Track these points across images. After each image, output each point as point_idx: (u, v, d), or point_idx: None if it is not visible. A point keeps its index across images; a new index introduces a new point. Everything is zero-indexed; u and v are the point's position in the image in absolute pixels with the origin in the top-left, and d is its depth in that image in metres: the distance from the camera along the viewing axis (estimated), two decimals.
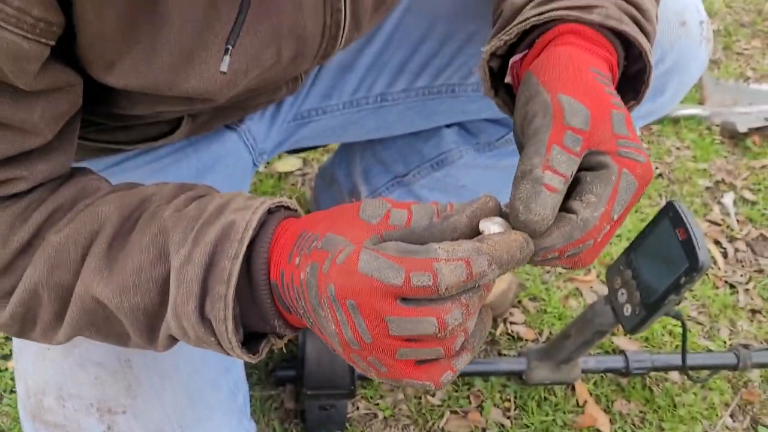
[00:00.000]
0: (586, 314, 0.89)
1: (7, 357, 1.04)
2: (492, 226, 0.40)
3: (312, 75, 0.80)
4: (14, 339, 0.65)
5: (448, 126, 0.86)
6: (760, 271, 1.25)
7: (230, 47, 0.45)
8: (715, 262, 1.25)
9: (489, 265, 0.37)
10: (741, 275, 1.24)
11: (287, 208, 0.47)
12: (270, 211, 0.46)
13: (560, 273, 1.21)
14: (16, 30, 0.38)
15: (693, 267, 0.73)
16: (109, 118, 0.59)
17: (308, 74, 0.73)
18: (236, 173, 0.80)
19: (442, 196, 0.93)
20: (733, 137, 1.50)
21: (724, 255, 1.27)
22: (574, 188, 0.43)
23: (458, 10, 0.73)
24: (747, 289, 1.21)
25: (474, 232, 0.40)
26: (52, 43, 0.41)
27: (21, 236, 0.47)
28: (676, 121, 1.53)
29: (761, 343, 1.13)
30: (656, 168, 1.43)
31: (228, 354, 0.46)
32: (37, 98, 0.44)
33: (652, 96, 0.73)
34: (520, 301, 1.16)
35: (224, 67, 0.45)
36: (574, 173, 0.42)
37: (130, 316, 0.46)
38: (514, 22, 0.50)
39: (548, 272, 1.21)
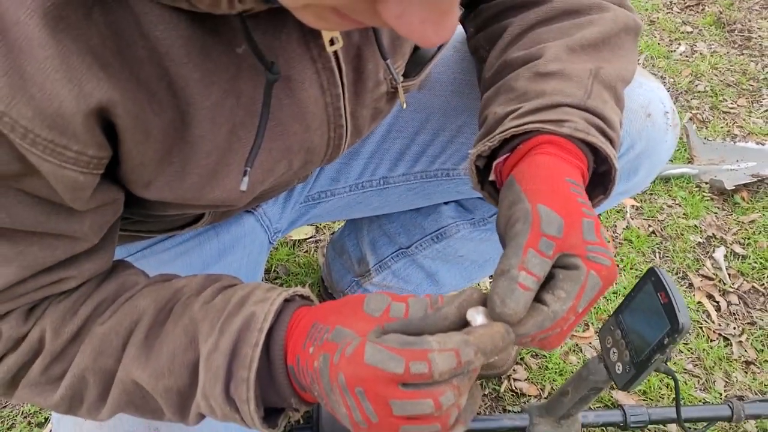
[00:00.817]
0: (582, 372, 0.95)
1: (42, 425, 1.10)
2: (477, 317, 0.47)
3: None
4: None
5: (446, 203, 0.95)
6: (753, 324, 1.31)
7: (248, 169, 0.53)
8: (708, 316, 1.31)
9: (475, 354, 0.44)
10: (734, 328, 1.29)
11: (302, 296, 0.55)
12: (287, 300, 0.53)
13: None
14: (74, 168, 0.45)
15: (674, 329, 0.79)
16: (141, 216, 0.67)
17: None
18: (254, 251, 0.88)
19: (442, 265, 1.00)
20: (722, 194, 1.58)
21: (717, 308, 1.33)
22: (548, 282, 0.50)
23: (448, 105, 0.82)
24: (740, 342, 1.27)
25: (462, 320, 0.47)
26: (102, 171, 0.48)
27: (71, 328, 0.54)
28: (666, 180, 1.61)
29: (756, 394, 1.18)
30: (649, 226, 1.50)
31: (250, 428, 0.53)
32: (86, 212, 0.51)
33: (626, 178, 0.81)
34: (522, 359, 1.22)
35: (244, 187, 0.53)
36: (546, 273, 0.49)
37: (164, 397, 0.53)
38: (497, 131, 0.58)
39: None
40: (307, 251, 1.40)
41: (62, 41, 0.40)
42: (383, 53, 0.58)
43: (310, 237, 1.42)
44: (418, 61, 0.65)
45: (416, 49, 0.64)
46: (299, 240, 1.41)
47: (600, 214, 1.52)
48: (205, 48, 0.48)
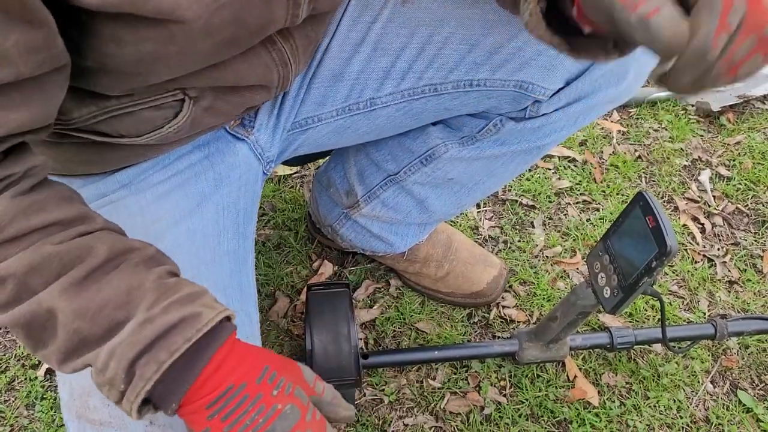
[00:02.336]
0: (570, 297, 0.96)
1: (36, 366, 1.11)
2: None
3: (305, 83, 0.86)
4: None
5: (434, 124, 0.93)
6: (736, 244, 1.33)
7: None
8: (693, 238, 1.33)
9: None
10: (718, 249, 1.31)
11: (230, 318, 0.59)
12: (229, 318, 0.57)
13: (547, 257, 1.28)
14: None
15: (662, 252, 0.80)
16: (107, 110, 0.65)
17: (297, 73, 0.77)
18: (250, 180, 0.87)
19: (432, 190, 0.99)
20: (708, 116, 1.57)
21: (702, 230, 1.35)
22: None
23: (433, 17, 0.79)
24: (724, 262, 1.29)
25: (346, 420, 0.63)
26: None
27: (17, 229, 0.53)
28: (653, 103, 1.60)
29: (739, 312, 1.21)
30: (635, 150, 1.50)
31: (116, 403, 0.54)
32: (11, 23, 0.47)
33: (615, 81, 0.79)
34: (511, 286, 1.23)
35: None
36: None
37: (67, 336, 0.53)
38: None
39: (536, 257, 1.28)
40: (292, 186, 1.38)
41: None
42: None
43: (295, 172, 1.40)
44: None
45: None
46: (284, 176, 1.39)
47: (586, 140, 1.52)
48: None
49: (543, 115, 0.82)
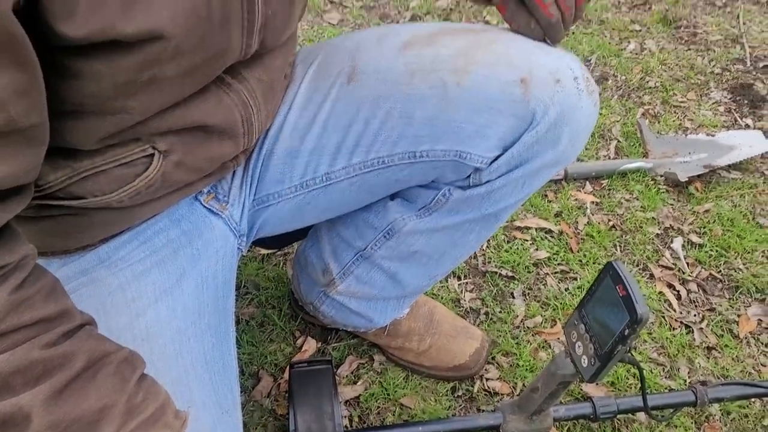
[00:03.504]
0: (550, 368, 0.97)
1: None
2: None
3: (264, 161, 0.91)
4: None
5: (392, 199, 0.97)
6: (712, 310, 1.35)
7: None
8: (670, 305, 1.36)
9: None
10: (695, 315, 1.34)
11: None
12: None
13: (528, 327, 1.30)
14: None
15: (633, 320, 0.82)
16: (80, 171, 0.69)
17: (261, 122, 0.83)
18: (227, 255, 0.90)
19: (400, 264, 1.01)
20: (677, 185, 1.63)
21: (678, 297, 1.38)
22: None
23: (375, 94, 0.85)
24: (701, 328, 1.31)
25: None
26: None
27: (8, 325, 0.55)
28: (623, 175, 1.66)
29: (718, 378, 1.22)
30: (609, 220, 1.55)
31: None
32: (5, 69, 0.49)
33: (551, 146, 0.83)
34: (493, 358, 1.24)
35: None
36: None
37: None
38: None
39: (518, 327, 1.30)
40: (276, 264, 1.40)
41: None
42: None
43: (279, 249, 1.42)
44: None
45: None
46: (268, 254, 1.41)
47: (562, 212, 1.56)
48: None
49: (486, 182, 0.86)
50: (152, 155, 0.73)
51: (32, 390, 0.56)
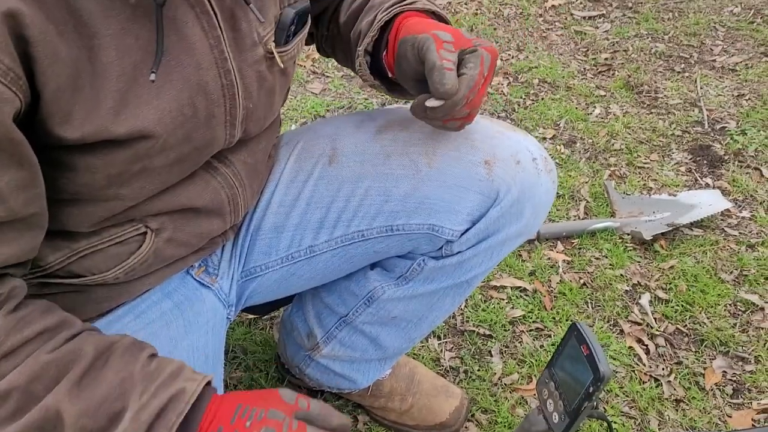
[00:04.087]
0: (524, 425, 1.03)
1: None
2: (432, 101, 0.78)
3: (252, 235, 0.98)
4: None
5: (372, 268, 1.04)
6: (680, 363, 1.42)
7: (154, 71, 0.64)
8: (639, 359, 1.42)
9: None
10: (663, 369, 1.41)
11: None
12: (209, 383, 0.67)
13: (506, 385, 1.36)
14: None
15: (597, 378, 0.89)
16: (78, 251, 0.76)
17: (247, 201, 0.91)
18: (216, 325, 0.96)
19: (381, 328, 1.08)
20: (643, 243, 1.72)
21: (647, 351, 1.45)
22: (461, 64, 0.78)
23: (354, 174, 0.94)
24: (669, 381, 1.38)
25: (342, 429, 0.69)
26: (20, 95, 0.56)
27: (12, 343, 0.62)
28: (593, 234, 1.75)
29: (687, 429, 1.28)
30: (580, 278, 1.63)
31: None
32: (5, 165, 0.58)
33: (515, 219, 0.91)
34: (473, 415, 1.29)
35: (152, 77, 0.64)
36: (456, 60, 0.77)
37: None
38: (373, 26, 0.85)
39: (495, 385, 1.36)
40: (263, 328, 1.45)
41: None
42: (252, 9, 0.72)
43: (265, 314, 1.48)
44: (282, 26, 0.80)
45: (279, 18, 0.80)
46: (254, 318, 1.47)
47: (535, 270, 1.64)
48: None
49: (458, 253, 0.94)
50: (145, 233, 0.80)
51: (53, 390, 0.61)
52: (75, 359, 0.63)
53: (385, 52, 0.88)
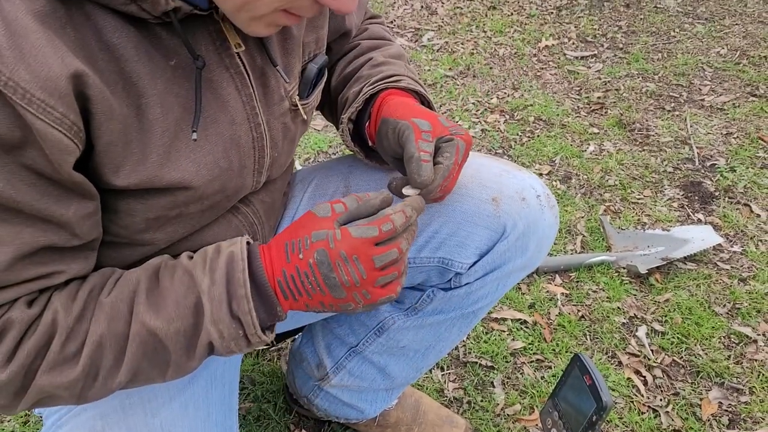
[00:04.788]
0: None
1: None
2: (409, 191, 0.80)
3: None
4: None
5: None
6: (677, 394, 1.46)
7: (195, 130, 0.70)
8: (637, 390, 1.46)
9: (412, 210, 0.73)
10: (660, 400, 1.44)
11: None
12: (248, 242, 0.75)
13: (508, 415, 1.39)
14: (60, 129, 0.59)
15: (600, 407, 0.93)
16: (116, 235, 0.80)
17: (264, 235, 0.95)
18: (233, 357, 0.99)
19: (390, 358, 1.12)
20: (639, 277, 1.77)
21: (645, 383, 1.48)
22: (437, 153, 0.82)
23: None
24: (667, 412, 1.41)
25: (384, 205, 0.74)
26: (80, 145, 0.62)
27: (78, 306, 0.68)
28: (590, 268, 1.80)
29: None
30: (578, 311, 1.67)
31: (250, 344, 0.72)
32: (71, 199, 0.65)
33: (520, 253, 0.96)
34: None
35: (194, 137, 0.70)
36: (433, 150, 0.81)
37: (175, 339, 0.69)
38: (359, 97, 0.91)
39: (498, 415, 1.39)
40: (270, 359, 1.48)
41: (47, 31, 0.57)
42: (273, 60, 0.79)
43: (273, 346, 1.51)
44: (305, 82, 0.87)
45: (302, 73, 0.87)
46: (262, 350, 1.50)
47: (534, 303, 1.68)
48: (149, 51, 0.66)
49: (466, 284, 0.99)
50: None
51: (133, 319, 0.68)
52: (134, 288, 0.71)
53: (367, 123, 0.93)
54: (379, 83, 0.92)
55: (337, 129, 0.97)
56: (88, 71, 0.60)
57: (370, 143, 0.95)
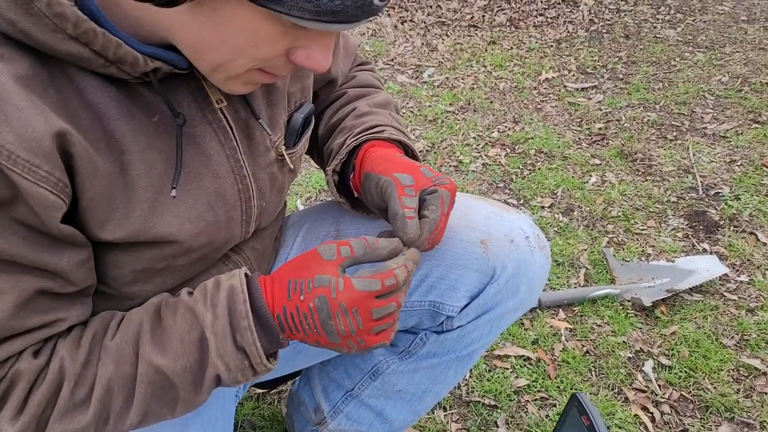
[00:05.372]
0: None
1: None
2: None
3: None
4: None
5: None
6: (685, 431, 1.43)
7: (175, 186, 0.71)
8: (645, 428, 1.43)
9: (413, 264, 0.75)
10: None
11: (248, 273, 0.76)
12: (246, 273, 0.75)
13: None
14: (46, 187, 0.60)
15: None
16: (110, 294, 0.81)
17: None
18: (226, 403, 0.98)
19: (386, 401, 1.10)
20: (644, 309, 1.75)
21: (652, 419, 1.45)
22: (423, 206, 0.82)
23: None
24: None
25: (393, 255, 0.75)
26: (66, 200, 0.63)
27: (83, 352, 0.69)
28: (594, 301, 1.78)
29: None
30: (583, 346, 1.65)
31: (256, 373, 0.73)
32: (62, 248, 0.65)
33: (511, 295, 0.95)
34: None
35: (173, 194, 0.71)
36: (417, 205, 0.81)
37: (182, 376, 0.70)
38: (342, 149, 0.92)
39: None
40: (270, 403, 1.47)
41: (30, 94, 0.59)
42: (255, 114, 0.79)
43: (273, 390, 1.50)
44: (291, 132, 0.87)
45: (288, 122, 0.87)
46: (262, 393, 1.49)
47: (538, 339, 1.66)
48: (131, 109, 0.67)
49: (458, 327, 0.98)
50: None
51: (139, 360, 0.69)
52: (137, 329, 0.71)
53: (352, 175, 0.93)
54: (361, 135, 0.92)
55: (325, 177, 0.98)
56: (72, 130, 0.61)
57: (355, 194, 0.96)
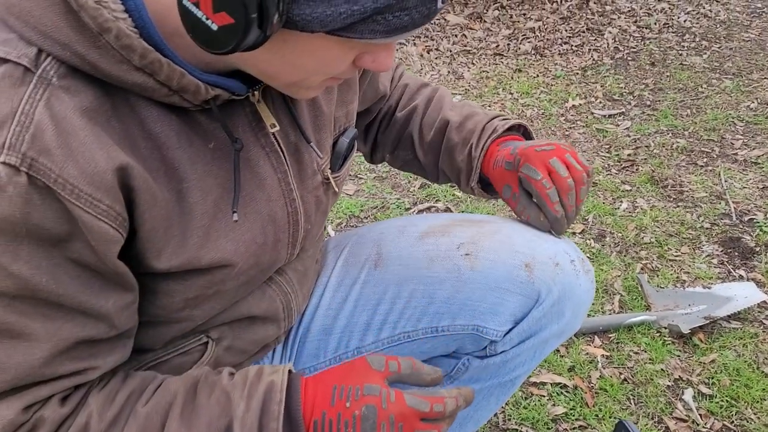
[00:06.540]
0: None
1: None
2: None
3: (301, 338, 1.02)
4: None
5: None
6: None
7: (235, 210, 0.72)
8: None
9: (464, 402, 0.73)
10: None
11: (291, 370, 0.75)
12: (290, 370, 0.73)
13: None
14: (106, 220, 0.61)
15: None
16: (145, 362, 0.82)
17: (298, 305, 0.96)
18: None
19: None
20: (681, 337, 1.72)
21: None
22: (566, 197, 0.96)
23: (399, 277, 0.99)
24: None
25: (434, 384, 0.73)
26: (124, 234, 0.64)
27: (113, 412, 0.68)
28: (629, 328, 1.75)
29: None
30: (620, 374, 1.62)
31: None
32: (111, 291, 0.66)
33: (556, 319, 0.95)
34: None
35: (235, 217, 0.71)
36: (558, 199, 0.96)
37: None
38: (473, 167, 1.04)
39: None
40: None
41: (94, 127, 0.61)
42: (306, 138, 0.81)
43: None
44: (337, 156, 0.89)
45: (333, 147, 0.89)
46: None
47: (574, 366, 1.64)
48: (190, 137, 0.69)
49: (502, 352, 0.97)
50: (206, 343, 0.86)
51: (167, 428, 0.68)
52: (171, 401, 0.70)
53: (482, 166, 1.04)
54: (480, 146, 1.03)
55: (434, 182, 1.16)
56: (132, 163, 0.63)
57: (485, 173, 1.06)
